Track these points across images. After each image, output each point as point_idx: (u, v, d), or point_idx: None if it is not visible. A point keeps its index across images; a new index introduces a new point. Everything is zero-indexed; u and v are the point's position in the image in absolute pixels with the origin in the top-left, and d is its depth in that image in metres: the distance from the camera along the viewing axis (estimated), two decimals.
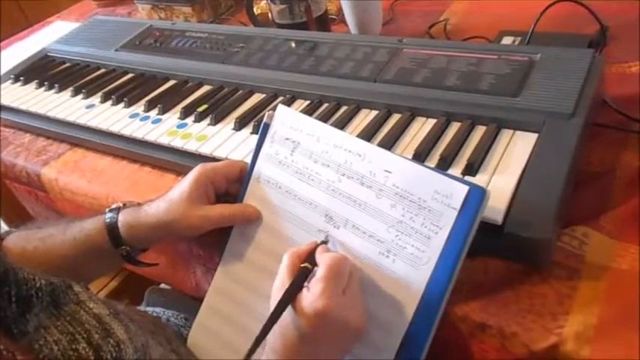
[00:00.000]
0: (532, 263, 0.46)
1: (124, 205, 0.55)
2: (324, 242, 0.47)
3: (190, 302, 0.71)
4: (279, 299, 0.41)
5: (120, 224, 0.52)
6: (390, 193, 0.45)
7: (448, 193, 0.42)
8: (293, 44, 0.77)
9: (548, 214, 0.45)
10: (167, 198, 0.53)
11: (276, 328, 0.41)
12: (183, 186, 0.52)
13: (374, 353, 0.44)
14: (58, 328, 0.40)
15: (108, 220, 0.53)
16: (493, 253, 0.48)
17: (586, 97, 0.54)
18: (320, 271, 0.42)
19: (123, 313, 0.46)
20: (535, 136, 0.53)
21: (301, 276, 0.43)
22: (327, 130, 0.50)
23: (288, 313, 0.41)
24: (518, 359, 0.43)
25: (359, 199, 0.47)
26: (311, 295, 0.41)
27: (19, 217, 0.60)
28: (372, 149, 0.47)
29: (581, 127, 0.52)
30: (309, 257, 0.44)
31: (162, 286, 0.85)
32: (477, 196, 0.41)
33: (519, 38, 0.74)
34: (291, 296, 0.41)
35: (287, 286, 0.42)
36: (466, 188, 0.41)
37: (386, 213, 0.45)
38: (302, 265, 0.43)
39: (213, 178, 0.53)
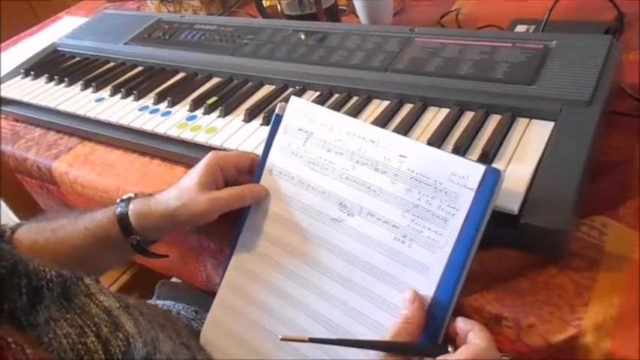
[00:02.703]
0: (549, 254, 0.45)
1: (135, 195, 0.55)
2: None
3: (201, 295, 0.71)
4: None
5: (130, 213, 0.52)
6: (406, 178, 0.44)
7: (465, 174, 0.41)
8: (302, 35, 0.76)
9: (566, 204, 0.44)
10: (178, 185, 0.53)
11: None
12: (193, 172, 0.52)
13: None
14: (68, 321, 0.40)
15: (119, 210, 0.53)
16: (509, 244, 0.47)
17: (604, 85, 0.53)
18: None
19: (133, 307, 0.46)
20: (551, 124, 0.52)
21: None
22: (340, 118, 0.50)
23: None
24: (534, 351, 0.42)
25: (373, 185, 0.46)
26: None
27: (30, 212, 0.60)
28: (386, 135, 0.46)
29: (598, 115, 0.50)
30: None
31: (174, 279, 0.85)
32: (492, 178, 0.40)
33: (533, 27, 0.73)
34: None
35: None
36: (483, 167, 0.41)
37: (401, 198, 0.44)
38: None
39: (223, 165, 0.53)
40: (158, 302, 0.72)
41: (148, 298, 0.78)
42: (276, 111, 0.53)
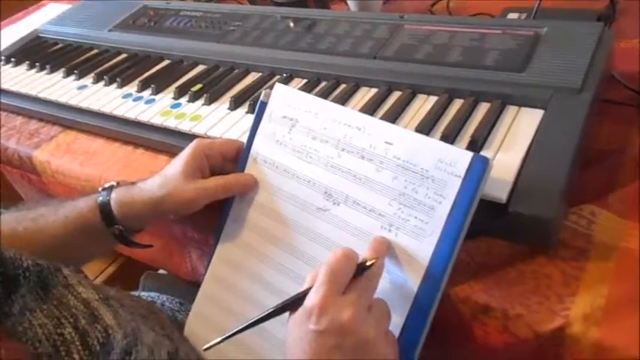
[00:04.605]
0: (537, 243, 0.44)
1: (118, 183, 0.53)
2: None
3: (186, 287, 0.70)
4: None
5: (113, 202, 0.51)
6: (392, 165, 0.43)
7: (452, 161, 0.40)
8: (291, 22, 0.74)
9: (555, 192, 0.43)
10: (162, 173, 0.51)
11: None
12: (178, 160, 0.51)
13: None
14: (44, 311, 0.39)
15: (101, 199, 0.51)
16: (497, 234, 0.46)
17: (595, 72, 0.52)
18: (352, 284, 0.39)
19: (113, 299, 0.45)
20: (541, 112, 0.51)
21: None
22: (325, 105, 0.49)
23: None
24: (522, 341, 0.41)
25: (359, 173, 0.45)
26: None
27: (12, 202, 0.58)
28: (372, 122, 0.45)
29: (589, 102, 0.49)
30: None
31: (160, 271, 0.84)
32: (479, 165, 0.39)
33: (525, 14, 0.72)
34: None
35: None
36: (470, 154, 0.40)
37: (387, 186, 0.43)
38: None
39: (209, 153, 0.52)
40: (142, 294, 0.70)
41: (134, 290, 0.77)
42: (261, 98, 0.52)
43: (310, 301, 0.38)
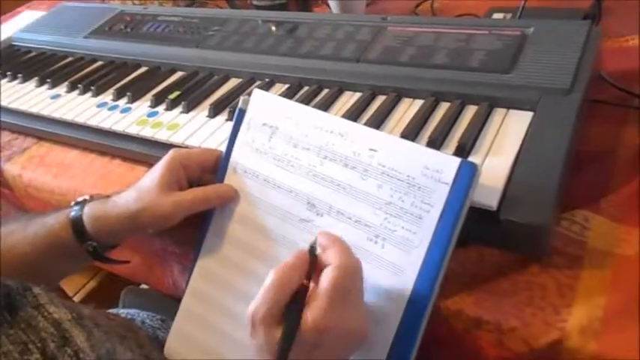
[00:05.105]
0: (530, 252, 0.43)
1: (92, 197, 0.51)
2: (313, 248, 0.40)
3: (168, 302, 0.67)
4: (280, 346, 0.35)
5: (85, 217, 0.48)
6: (377, 173, 0.41)
7: (439, 167, 0.38)
8: (272, 26, 0.72)
9: (547, 198, 0.41)
10: (137, 186, 0.49)
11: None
12: (154, 172, 0.49)
13: (366, 351, 0.41)
14: (10, 337, 0.36)
15: (73, 214, 0.49)
16: (488, 242, 0.44)
17: (583, 72, 0.51)
18: (323, 284, 0.36)
19: (87, 318, 0.42)
20: (530, 114, 0.49)
21: (300, 299, 0.37)
22: (306, 111, 0.47)
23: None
24: (517, 356, 0.39)
25: (343, 182, 0.43)
26: (313, 314, 0.35)
27: None
28: (354, 128, 0.44)
29: (579, 103, 0.48)
30: (303, 273, 0.37)
31: (143, 286, 0.81)
32: (468, 172, 0.38)
33: (510, 14, 0.70)
34: (296, 325, 0.36)
35: (277, 320, 0.36)
36: (457, 161, 0.38)
37: (372, 195, 0.41)
38: (303, 284, 0.37)
39: (186, 164, 0.49)
40: (122, 311, 0.68)
41: (115, 306, 0.74)
42: (239, 105, 0.50)
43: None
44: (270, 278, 0.37)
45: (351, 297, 0.37)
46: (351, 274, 0.37)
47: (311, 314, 0.35)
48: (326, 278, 0.36)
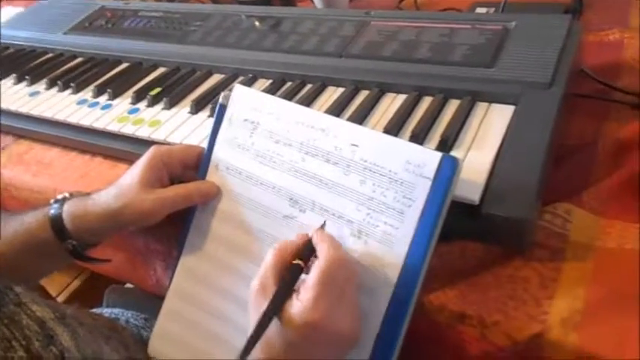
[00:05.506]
0: (512, 245, 0.43)
1: (71, 194, 0.50)
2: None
3: (152, 301, 0.66)
4: (267, 306, 0.36)
5: (65, 215, 0.48)
6: (359, 168, 0.41)
7: (420, 162, 0.38)
8: (255, 21, 0.71)
9: (529, 191, 0.41)
10: (118, 183, 0.48)
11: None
12: (135, 169, 0.48)
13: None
14: None
15: (52, 212, 0.48)
16: (471, 236, 0.44)
17: (564, 66, 0.51)
18: (312, 276, 0.36)
19: (71, 317, 0.42)
20: (512, 108, 0.49)
21: (293, 278, 0.37)
22: (287, 106, 0.46)
23: (273, 322, 0.36)
24: (500, 350, 0.39)
25: (325, 178, 0.43)
26: (301, 304, 0.35)
27: None
28: (336, 123, 0.43)
29: (560, 97, 0.48)
30: (301, 253, 0.39)
31: (128, 285, 0.80)
32: (449, 166, 0.38)
33: (493, 9, 0.71)
34: (280, 303, 0.36)
35: (272, 288, 0.37)
36: (439, 155, 0.38)
37: (355, 190, 0.41)
38: (294, 263, 0.38)
39: (167, 161, 0.49)
40: (106, 310, 0.67)
41: (99, 305, 0.73)
42: (220, 101, 0.49)
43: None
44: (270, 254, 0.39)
45: (343, 294, 0.37)
46: (340, 266, 0.37)
47: (298, 305, 0.36)
48: (314, 270, 0.37)
